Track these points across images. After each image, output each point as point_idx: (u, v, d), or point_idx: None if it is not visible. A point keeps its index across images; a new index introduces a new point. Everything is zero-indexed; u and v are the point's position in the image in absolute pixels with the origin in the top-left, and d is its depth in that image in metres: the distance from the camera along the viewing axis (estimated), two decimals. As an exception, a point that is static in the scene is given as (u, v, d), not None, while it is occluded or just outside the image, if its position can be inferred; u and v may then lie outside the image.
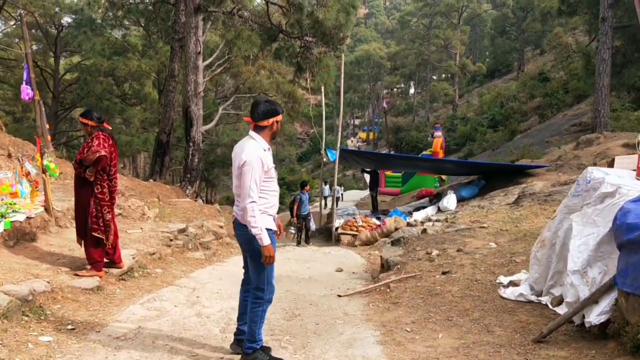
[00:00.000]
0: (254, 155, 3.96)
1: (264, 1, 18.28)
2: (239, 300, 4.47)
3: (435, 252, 7.68)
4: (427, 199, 19.35)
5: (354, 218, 15.79)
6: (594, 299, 4.12)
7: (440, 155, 30.96)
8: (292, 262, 9.39)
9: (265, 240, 3.91)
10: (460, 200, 15.95)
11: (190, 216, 11.81)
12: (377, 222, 14.87)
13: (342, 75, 16.47)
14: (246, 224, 3.94)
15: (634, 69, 22.43)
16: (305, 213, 14.88)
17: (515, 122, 37.18)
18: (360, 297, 6.49)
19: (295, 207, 14.88)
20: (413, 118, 65.57)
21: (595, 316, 4.08)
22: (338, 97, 48.55)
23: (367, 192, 33.69)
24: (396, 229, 13.17)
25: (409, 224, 13.68)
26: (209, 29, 19.64)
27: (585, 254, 4.30)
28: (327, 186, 25.05)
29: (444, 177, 25.88)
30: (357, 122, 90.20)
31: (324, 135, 17.38)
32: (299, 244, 14.34)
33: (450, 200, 15.66)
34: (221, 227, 11.39)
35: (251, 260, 4.16)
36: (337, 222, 15.76)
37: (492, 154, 32.56)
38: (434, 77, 70.60)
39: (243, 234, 4.08)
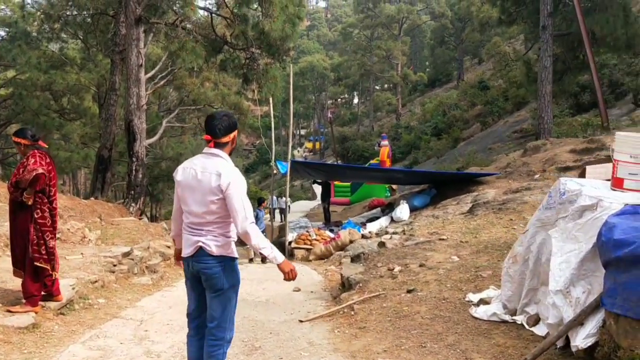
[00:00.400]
0: (236, 174, 3.56)
1: (207, 12, 17.82)
2: (191, 351, 3.86)
3: (397, 268, 7.37)
4: (379, 209, 19.14)
5: (307, 231, 15.42)
6: (579, 321, 3.85)
7: (387, 164, 30.98)
8: (246, 282, 8.84)
9: (279, 257, 3.59)
10: (413, 209, 15.77)
11: (135, 237, 11.16)
12: (331, 235, 14.56)
13: (292, 86, 16.12)
14: (255, 249, 3.57)
15: (572, 76, 22.98)
16: (261, 230, 14.52)
17: (458, 130, 37.79)
18: (324, 322, 6.08)
19: None
20: (358, 127, 65.93)
21: (581, 339, 3.80)
22: (283, 109, 48.40)
23: (315, 203, 33.50)
24: (351, 242, 12.91)
25: (363, 236, 13.44)
26: (150, 41, 19.01)
27: (568, 272, 4.03)
28: (276, 198, 24.54)
29: (394, 186, 25.79)
30: (302, 132, 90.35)
31: (273, 147, 16.92)
32: (251, 260, 13.85)
33: (403, 210, 15.46)
34: (169, 247, 10.76)
35: (214, 296, 3.65)
36: (290, 236, 15.35)
37: (437, 161, 32.88)
38: (377, 87, 71.46)
39: (211, 267, 3.59)
